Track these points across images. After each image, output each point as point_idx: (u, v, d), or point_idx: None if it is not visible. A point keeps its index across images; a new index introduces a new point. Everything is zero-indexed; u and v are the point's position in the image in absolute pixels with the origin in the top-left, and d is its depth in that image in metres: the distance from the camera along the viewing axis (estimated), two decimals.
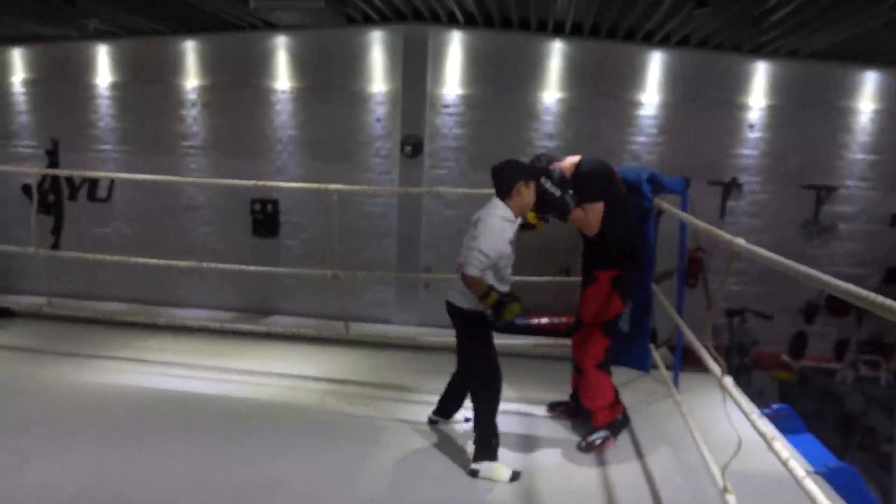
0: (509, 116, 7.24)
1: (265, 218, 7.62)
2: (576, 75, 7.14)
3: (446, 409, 3.78)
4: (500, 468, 3.23)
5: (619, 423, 3.69)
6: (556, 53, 7.15)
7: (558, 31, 7.03)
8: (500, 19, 6.91)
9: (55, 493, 2.91)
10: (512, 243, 3.28)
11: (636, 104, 7.16)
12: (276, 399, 4.21)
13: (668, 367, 4.39)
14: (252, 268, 6.01)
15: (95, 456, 3.28)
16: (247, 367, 4.74)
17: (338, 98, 7.41)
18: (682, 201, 4.28)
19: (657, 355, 4.36)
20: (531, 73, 7.18)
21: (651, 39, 6.92)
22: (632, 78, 7.12)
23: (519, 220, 3.36)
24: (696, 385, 4.53)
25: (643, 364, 4.28)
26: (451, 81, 7.28)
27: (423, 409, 4.10)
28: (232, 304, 7.53)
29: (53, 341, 5.20)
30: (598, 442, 3.57)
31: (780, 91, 7.00)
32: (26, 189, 7.73)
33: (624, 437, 3.80)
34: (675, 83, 7.08)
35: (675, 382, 4.32)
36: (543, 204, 3.42)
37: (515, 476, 3.23)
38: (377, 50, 7.31)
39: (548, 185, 3.44)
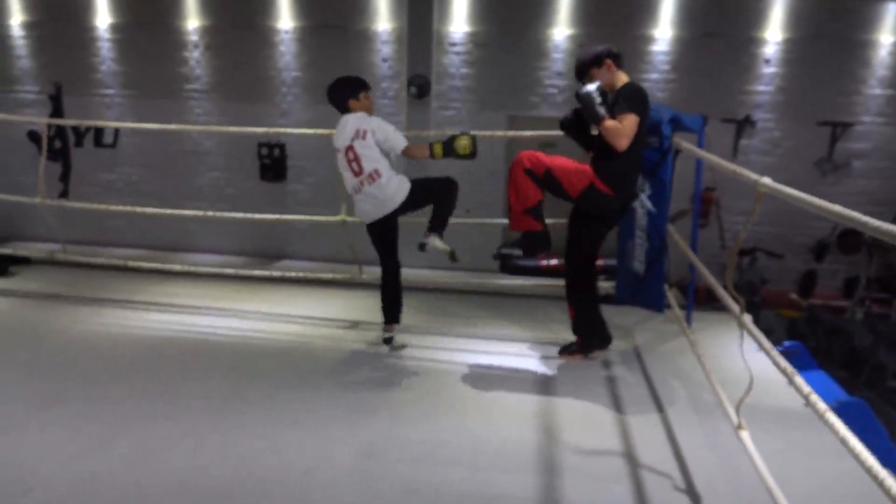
0: (518, 54, 7.07)
1: (272, 162, 7.56)
2: (587, 11, 6.93)
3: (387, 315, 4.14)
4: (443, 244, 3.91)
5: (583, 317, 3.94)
6: None
7: None
8: None
9: (76, 436, 2.99)
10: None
11: (649, 40, 6.97)
12: (291, 340, 4.28)
13: (680, 307, 4.42)
14: (260, 216, 6.02)
15: (117, 398, 3.36)
16: (261, 310, 4.80)
17: (342, 38, 7.22)
18: (699, 140, 4.21)
19: (670, 295, 4.39)
20: (541, 10, 6.96)
21: None
22: (645, 13, 6.91)
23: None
24: (709, 324, 4.59)
25: (657, 304, 4.31)
26: (458, 19, 7.08)
27: (438, 351, 4.17)
28: (242, 249, 7.57)
29: (69, 287, 5.25)
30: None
31: (798, 24, 6.78)
32: (32, 135, 7.65)
33: (637, 376, 3.87)
34: (690, 18, 6.87)
35: (688, 321, 4.36)
36: (581, 108, 3.61)
37: (454, 256, 3.90)
38: None
39: (592, 90, 3.47)
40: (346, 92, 3.88)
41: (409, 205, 3.86)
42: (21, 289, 5.19)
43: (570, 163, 3.61)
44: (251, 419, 3.18)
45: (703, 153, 3.78)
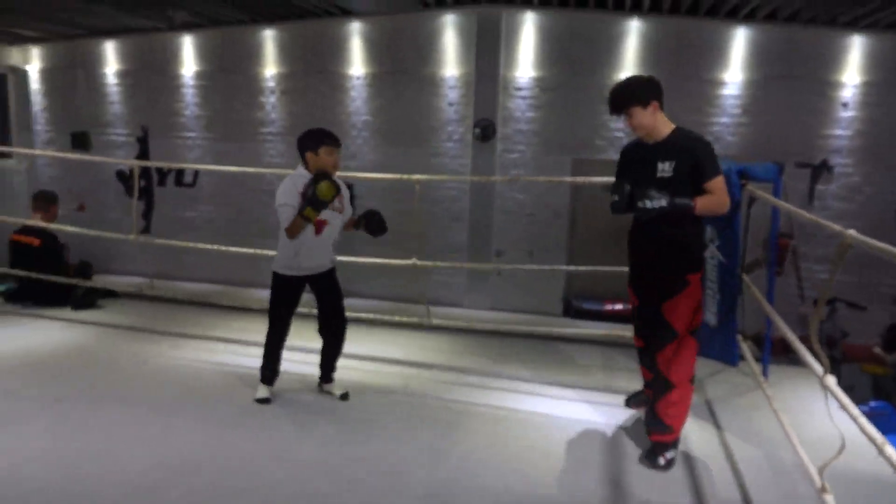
0: (583, 99, 7.11)
1: None
2: (653, 55, 6.93)
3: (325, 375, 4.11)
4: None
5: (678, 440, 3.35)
6: (633, 32, 6.95)
7: (636, 8, 6.82)
8: (576, 2, 6.77)
9: (154, 464, 3.10)
10: (301, 195, 3.52)
11: (718, 83, 6.88)
12: (361, 380, 4.33)
13: (755, 360, 4.26)
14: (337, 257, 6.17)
15: (192, 428, 3.48)
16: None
17: (410, 83, 7.45)
18: (775, 188, 4.11)
19: (744, 347, 4.24)
20: (606, 54, 7.01)
21: (736, 15, 6.62)
22: (714, 56, 6.85)
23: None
24: (787, 378, 4.39)
25: (731, 356, 4.17)
26: (524, 64, 7.19)
27: (504, 395, 4.14)
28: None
29: (152, 320, 5.51)
30: (667, 460, 3.24)
31: (878, 66, 6.57)
32: (120, 175, 8.17)
33: (709, 430, 3.73)
34: (761, 61, 6.76)
35: (764, 374, 4.19)
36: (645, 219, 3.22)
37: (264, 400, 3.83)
38: (450, 33, 7.29)
39: (651, 203, 2.97)
40: (306, 142, 3.62)
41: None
42: (108, 321, 5.48)
43: (691, 301, 3.17)
44: (317, 459, 3.23)
45: (778, 202, 3.68)
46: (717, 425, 3.78)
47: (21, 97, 8.59)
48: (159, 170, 8.20)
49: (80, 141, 8.29)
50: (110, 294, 5.98)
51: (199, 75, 8.02)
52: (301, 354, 4.69)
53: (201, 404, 3.83)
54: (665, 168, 3.06)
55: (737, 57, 6.80)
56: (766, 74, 6.77)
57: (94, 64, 8.28)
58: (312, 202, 3.36)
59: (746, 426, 3.76)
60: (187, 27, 7.78)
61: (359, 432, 3.54)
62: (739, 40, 6.77)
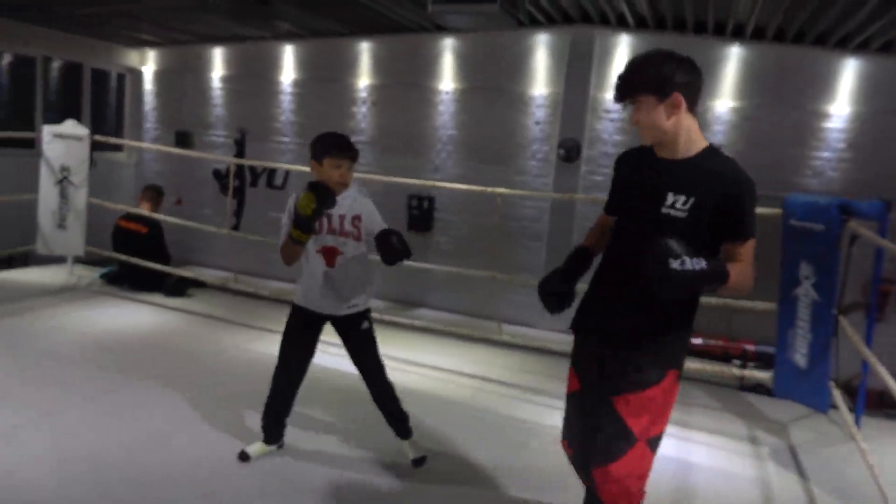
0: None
1: (421, 214, 7.90)
2: (754, 82, 6.67)
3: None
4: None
5: None
6: (733, 59, 6.72)
7: (738, 34, 6.60)
8: (674, 21, 6.62)
9: (204, 456, 3.20)
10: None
11: (822, 115, 6.54)
12: (430, 390, 4.35)
13: (849, 409, 3.98)
14: (425, 265, 6.25)
15: (248, 421, 3.57)
16: (402, 356, 4.94)
17: (498, 100, 7.49)
18: (881, 227, 3.84)
19: (837, 394, 3.97)
20: (704, 80, 6.79)
21: (846, 45, 6.29)
22: (819, 87, 6.52)
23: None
24: (883, 432, 4.08)
25: (821, 402, 3.91)
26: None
27: None
28: (381, 294, 7.90)
29: (234, 313, 5.74)
30: None
31: None
32: (216, 174, 8.62)
33: (791, 478, 3.50)
34: (872, 93, 6.38)
35: (857, 426, 3.91)
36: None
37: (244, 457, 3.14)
38: (541, 53, 7.30)
39: (685, 266, 1.83)
40: (312, 149, 2.91)
41: None
42: (194, 309, 5.76)
43: (660, 400, 2.14)
44: (393, 460, 3.25)
45: (884, 242, 3.44)
46: (802, 474, 3.55)
47: (135, 96, 9.24)
48: (252, 171, 8.59)
49: (184, 140, 8.81)
50: (199, 284, 6.28)
51: (296, 83, 8.36)
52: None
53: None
54: (678, 204, 1.97)
55: (844, 88, 6.44)
56: (875, 108, 6.38)
57: (201, 68, 8.80)
58: (295, 219, 2.70)
59: (836, 479, 3.50)
60: (289, 37, 8.15)
61: (424, 439, 3.54)
62: (849, 72, 6.42)
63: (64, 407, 3.45)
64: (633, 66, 2.07)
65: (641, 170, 2.13)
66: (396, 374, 4.55)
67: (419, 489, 3.03)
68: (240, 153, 8.62)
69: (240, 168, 8.56)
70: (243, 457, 3.14)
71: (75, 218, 5.06)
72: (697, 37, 6.71)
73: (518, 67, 7.38)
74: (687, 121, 2.03)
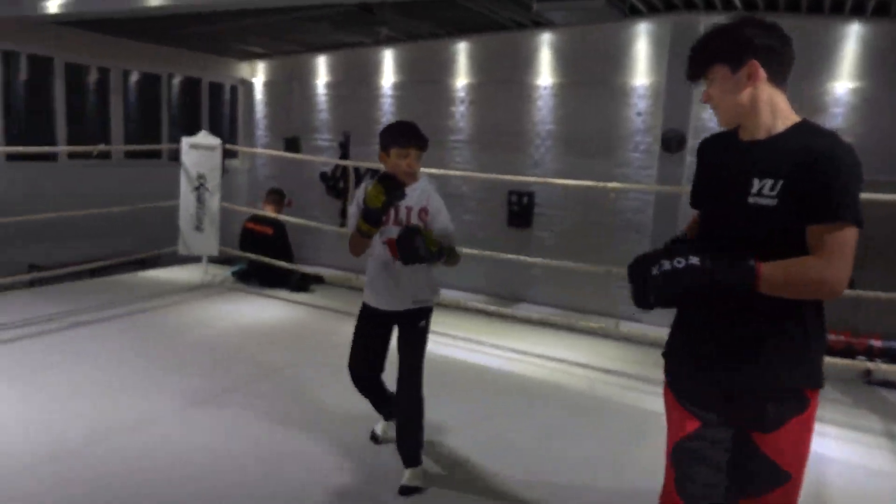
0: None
1: (521, 209, 7.98)
2: (876, 61, 6.29)
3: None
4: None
5: None
6: (852, 37, 6.37)
7: (858, 11, 6.24)
8: (787, 3, 6.35)
9: (331, 438, 3.40)
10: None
11: None
12: (544, 378, 4.43)
13: None
14: (533, 259, 6.34)
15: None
16: (513, 346, 5.03)
17: (598, 93, 7.44)
18: None
19: None
20: (818, 62, 6.48)
21: None
22: None
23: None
24: None
25: None
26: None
27: None
28: (482, 289, 8.03)
29: (353, 306, 6.01)
30: None
31: None
32: (322, 176, 9.06)
33: None
34: None
35: None
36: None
37: None
38: (642, 42, 7.19)
39: (657, 269, 1.60)
40: (381, 140, 2.80)
41: None
42: (318, 303, 6.07)
43: (806, 433, 1.74)
44: (526, 446, 3.36)
45: None
46: None
47: (247, 106, 9.86)
48: (356, 171, 8.95)
49: (292, 145, 9.31)
50: (320, 280, 6.66)
51: (396, 86, 8.64)
52: (490, 349, 4.89)
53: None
54: (765, 190, 1.62)
55: None
56: None
57: (307, 76, 9.26)
58: (364, 212, 2.60)
59: None
60: (389, 41, 8.44)
61: (547, 427, 3.63)
62: None
63: (209, 396, 3.78)
64: (706, 36, 1.76)
65: (724, 156, 1.76)
66: (509, 364, 4.67)
67: (536, 473, 3.12)
68: (344, 155, 9.01)
69: (344, 170, 8.94)
70: (374, 438, 3.26)
71: (210, 221, 5.52)
72: (813, 16, 6.40)
73: (618, 58, 7.30)
74: (769, 92, 1.67)
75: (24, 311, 4.88)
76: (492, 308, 5.79)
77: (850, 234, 1.52)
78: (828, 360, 4.34)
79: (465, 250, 6.46)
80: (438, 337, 5.10)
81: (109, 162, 8.48)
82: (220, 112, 9.98)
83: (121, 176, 8.22)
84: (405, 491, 2.82)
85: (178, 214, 5.78)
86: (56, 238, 7.23)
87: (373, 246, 2.76)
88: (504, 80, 7.97)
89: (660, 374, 4.01)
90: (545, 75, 7.72)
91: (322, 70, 9.15)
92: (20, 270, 6.73)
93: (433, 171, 7.04)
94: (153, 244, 6.65)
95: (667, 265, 1.56)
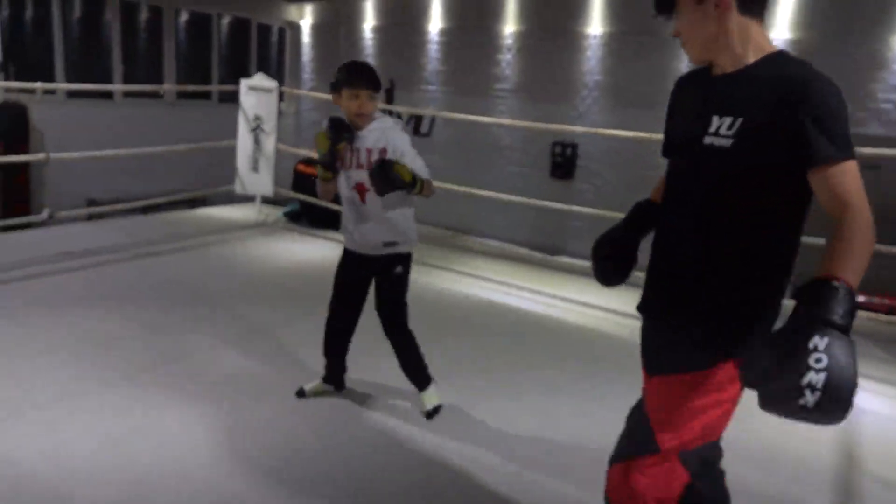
0: (851, 64, 6.40)
1: (564, 161, 7.96)
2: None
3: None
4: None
5: None
6: None
7: None
8: None
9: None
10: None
11: None
12: (587, 325, 4.52)
13: None
14: (574, 207, 6.38)
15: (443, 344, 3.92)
16: (559, 294, 5.08)
17: (651, 43, 7.27)
18: None
19: None
20: (883, 14, 6.22)
21: None
22: None
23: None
24: None
25: None
26: (782, 24, 6.65)
27: None
28: (523, 240, 8.10)
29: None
30: None
31: None
32: None
33: None
34: None
35: None
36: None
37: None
38: None
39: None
40: (334, 80, 2.68)
41: None
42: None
43: (698, 395, 1.54)
44: (570, 393, 3.50)
45: None
46: None
47: (294, 49, 9.91)
48: (399, 118, 8.99)
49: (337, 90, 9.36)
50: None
51: (443, 32, 8.57)
52: (531, 294, 5.00)
53: (447, 327, 4.29)
54: (722, 129, 1.46)
55: None
56: None
57: (354, 20, 9.23)
58: (318, 158, 2.63)
59: None
60: None
61: (588, 367, 3.75)
62: None
63: (269, 326, 3.98)
64: None
65: (693, 94, 1.60)
66: (554, 310, 4.77)
67: (581, 414, 3.24)
68: (389, 102, 9.04)
69: (388, 116, 8.98)
70: (300, 393, 3.02)
71: (266, 162, 5.67)
72: None
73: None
74: (740, 22, 1.47)
75: (85, 242, 5.15)
76: (537, 255, 5.85)
77: (856, 169, 1.36)
78: (871, 318, 4.36)
79: (509, 197, 6.54)
80: (481, 281, 5.24)
81: (162, 102, 8.69)
82: (268, 54, 10.05)
83: (172, 116, 8.44)
84: (429, 415, 2.92)
85: (231, 155, 5.96)
86: (112, 174, 7.52)
87: (340, 189, 2.72)
88: (553, 29, 7.83)
89: None
90: (595, 24, 7.56)
91: (369, 14, 9.11)
92: (79, 204, 7.04)
93: (478, 118, 7.08)
94: (202, 183, 6.88)
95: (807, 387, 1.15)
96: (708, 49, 1.52)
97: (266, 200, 6.41)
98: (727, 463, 1.73)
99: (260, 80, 5.66)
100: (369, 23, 9.13)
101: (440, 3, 8.51)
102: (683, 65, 7.13)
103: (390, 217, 2.67)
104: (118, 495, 2.21)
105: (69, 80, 7.70)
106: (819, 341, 1.15)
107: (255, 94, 5.60)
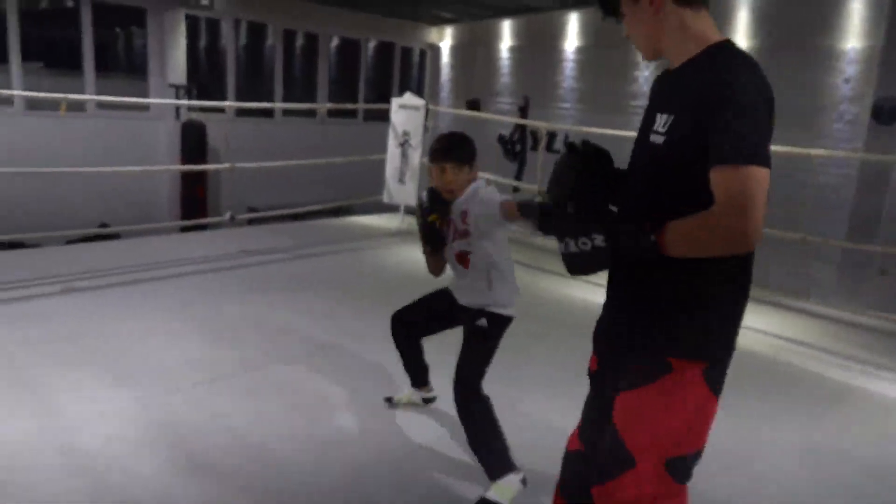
0: None
1: None
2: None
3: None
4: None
5: None
6: None
7: None
8: None
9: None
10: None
11: None
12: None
13: None
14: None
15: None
16: None
17: (799, 57, 6.98)
18: None
19: None
20: None
21: None
22: None
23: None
24: None
25: None
26: None
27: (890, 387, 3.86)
28: None
29: (530, 259, 6.30)
30: None
31: None
32: (500, 138, 9.41)
33: None
34: None
35: None
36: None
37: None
38: (857, 1, 6.61)
39: (571, 247, 1.45)
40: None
41: None
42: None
43: (673, 403, 1.48)
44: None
45: None
46: None
47: (434, 70, 10.43)
48: (534, 135, 9.19)
49: (473, 108, 9.73)
50: None
51: (579, 50, 8.69)
52: None
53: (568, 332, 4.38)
54: (659, 127, 1.44)
55: None
56: None
57: (491, 40, 9.59)
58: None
59: None
60: (576, 4, 8.47)
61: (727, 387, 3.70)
62: None
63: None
64: None
65: (655, 90, 1.57)
66: None
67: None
68: (523, 118, 9.28)
69: (522, 133, 9.21)
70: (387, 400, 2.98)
71: (411, 174, 6.07)
72: None
73: (825, 19, 6.79)
74: (679, 15, 1.43)
75: (256, 242, 5.76)
76: None
77: (758, 177, 1.26)
78: None
79: None
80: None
81: (314, 119, 9.47)
82: (410, 75, 10.65)
83: (323, 132, 9.18)
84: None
85: (376, 168, 6.43)
86: (269, 185, 8.31)
87: (450, 261, 2.63)
88: None
89: (847, 349, 3.84)
90: (741, 37, 7.37)
91: (506, 34, 9.43)
92: (241, 210, 7.85)
93: (614, 132, 7.10)
94: (347, 194, 7.43)
95: (573, 246, 1.41)
96: (652, 47, 1.51)
97: (409, 210, 6.83)
98: None
99: (409, 98, 6.09)
100: (506, 42, 9.44)
101: (577, 22, 8.65)
102: (837, 77, 6.78)
103: (485, 277, 2.52)
104: (314, 451, 2.54)
105: (238, 100, 8.62)
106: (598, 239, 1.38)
107: (405, 112, 6.03)
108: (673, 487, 1.49)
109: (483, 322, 2.52)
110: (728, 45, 1.38)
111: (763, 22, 7.19)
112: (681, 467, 1.49)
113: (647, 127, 1.47)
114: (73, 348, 3.24)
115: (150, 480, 2.24)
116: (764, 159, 1.27)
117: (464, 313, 2.59)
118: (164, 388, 2.92)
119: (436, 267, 2.64)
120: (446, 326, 2.73)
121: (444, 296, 2.70)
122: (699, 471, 1.59)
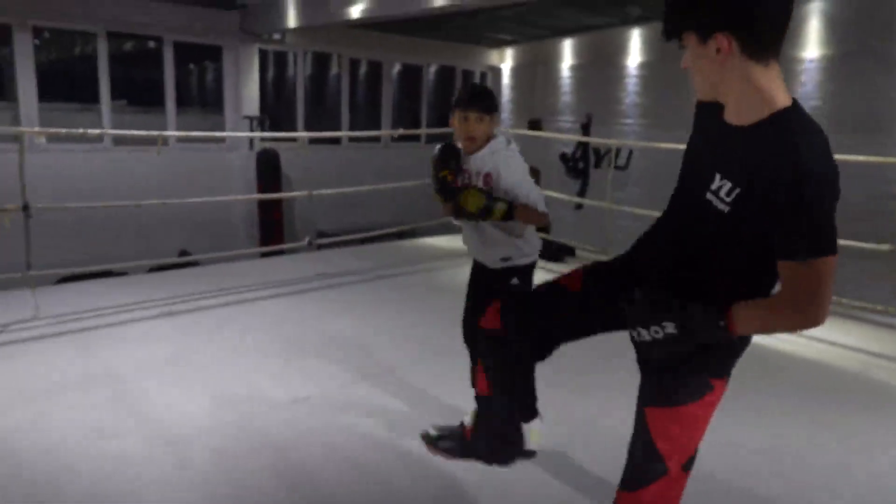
0: None
1: None
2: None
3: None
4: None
5: None
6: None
7: None
8: None
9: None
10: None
11: None
12: (814, 357, 4.31)
13: None
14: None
15: None
16: None
17: (877, 65, 6.76)
18: None
19: None
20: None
21: None
22: None
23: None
24: None
25: None
26: None
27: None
28: None
29: None
30: None
31: None
32: (563, 157, 9.43)
33: None
34: None
35: None
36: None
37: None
38: None
39: (645, 335, 1.51)
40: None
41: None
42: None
43: (700, 417, 1.59)
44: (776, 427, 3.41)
45: None
46: None
47: (495, 91, 10.56)
48: (597, 152, 9.17)
49: (534, 127, 9.80)
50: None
51: (642, 66, 8.66)
52: None
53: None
54: (722, 192, 1.39)
55: None
56: None
57: (552, 60, 9.66)
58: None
59: None
60: (638, 21, 8.47)
61: (811, 405, 3.59)
62: None
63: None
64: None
65: (708, 131, 1.52)
66: (779, 343, 4.60)
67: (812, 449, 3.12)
68: (585, 135, 9.28)
69: (585, 151, 9.21)
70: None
71: None
72: None
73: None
74: (744, 70, 1.33)
75: (333, 265, 5.95)
76: None
77: (828, 267, 1.28)
78: None
79: None
80: None
81: (378, 144, 9.74)
82: None
83: (387, 156, 9.41)
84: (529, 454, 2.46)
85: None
86: (337, 210, 8.57)
87: None
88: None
89: None
90: (812, 47, 7.19)
91: (567, 53, 9.48)
92: (311, 235, 8.12)
93: (677, 146, 7.00)
94: (413, 216, 7.59)
95: (646, 335, 1.45)
96: (710, 90, 1.47)
97: None
98: None
99: None
100: (566, 62, 9.49)
101: (639, 38, 8.63)
102: None
103: (502, 233, 2.55)
104: (410, 465, 2.62)
105: (307, 129, 8.97)
106: (669, 326, 1.41)
107: None
108: (684, 480, 1.61)
109: (516, 281, 2.64)
110: (796, 116, 1.31)
111: (836, 29, 7.00)
112: (692, 461, 1.61)
113: (701, 182, 1.44)
114: (174, 367, 3.45)
115: (258, 492, 2.37)
116: (834, 246, 1.28)
117: (493, 276, 2.66)
118: (262, 404, 3.07)
119: (450, 211, 2.58)
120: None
121: (475, 272, 2.79)
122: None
